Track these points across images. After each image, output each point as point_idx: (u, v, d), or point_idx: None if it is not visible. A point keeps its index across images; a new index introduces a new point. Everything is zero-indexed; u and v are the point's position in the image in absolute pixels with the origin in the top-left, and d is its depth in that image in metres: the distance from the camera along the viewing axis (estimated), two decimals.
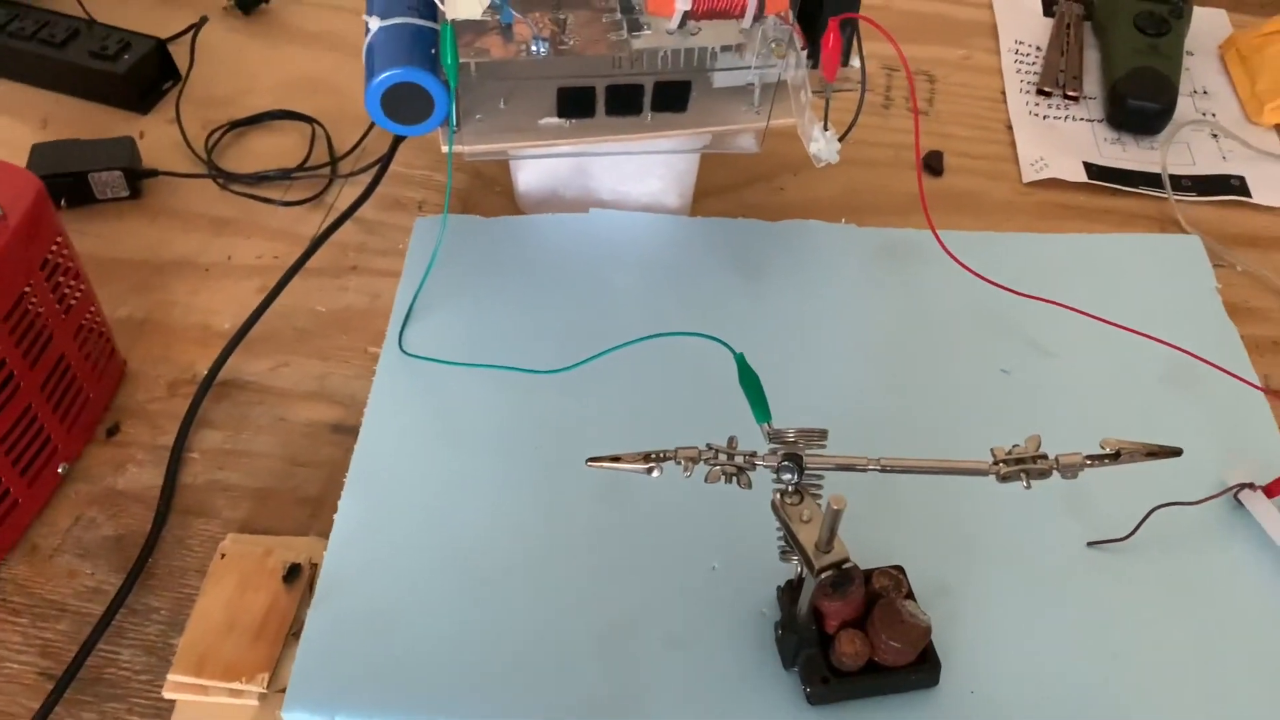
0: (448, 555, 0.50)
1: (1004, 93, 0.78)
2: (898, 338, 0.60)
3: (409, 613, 0.48)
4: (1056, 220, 0.69)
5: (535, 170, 0.65)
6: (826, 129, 0.51)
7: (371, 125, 0.71)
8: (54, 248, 0.51)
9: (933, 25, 0.83)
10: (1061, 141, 0.74)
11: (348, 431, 0.56)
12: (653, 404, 0.56)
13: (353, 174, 0.69)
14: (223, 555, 0.50)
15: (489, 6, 0.52)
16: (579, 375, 0.54)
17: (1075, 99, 0.77)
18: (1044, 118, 0.76)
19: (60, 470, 0.53)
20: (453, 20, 0.51)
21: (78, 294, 0.53)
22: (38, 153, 0.66)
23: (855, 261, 0.64)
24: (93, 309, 0.54)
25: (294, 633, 0.48)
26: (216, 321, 0.61)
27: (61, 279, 0.51)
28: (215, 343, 0.59)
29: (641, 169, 0.65)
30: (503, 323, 0.60)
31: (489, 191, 0.68)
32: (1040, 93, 0.77)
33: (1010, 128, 0.75)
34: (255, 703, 0.46)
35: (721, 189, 0.69)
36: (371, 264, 0.64)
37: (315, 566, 0.50)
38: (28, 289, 0.49)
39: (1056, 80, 0.77)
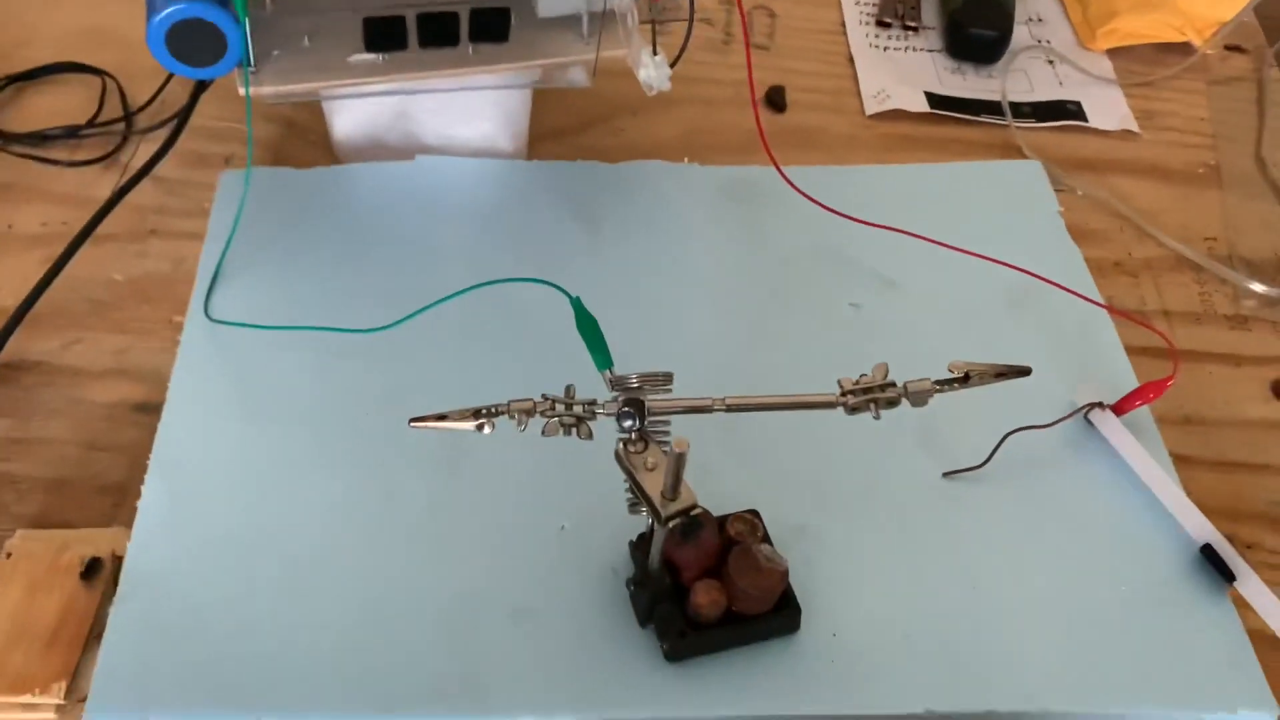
0: (266, 540, 0.46)
1: (844, 25, 0.76)
2: (745, 278, 0.58)
3: (226, 605, 0.44)
4: (901, 152, 0.68)
5: (352, 115, 0.60)
6: (655, 54, 0.48)
7: (169, 77, 0.64)
8: None
9: None
10: (903, 72, 0.72)
11: (153, 410, 0.51)
12: (486, 360, 0.52)
13: (150, 129, 0.63)
14: (8, 555, 0.45)
15: None
16: (405, 335, 0.50)
17: (915, 29, 0.76)
18: (884, 49, 0.74)
19: None
20: None
21: None
22: None
23: (698, 202, 0.61)
24: None
25: (95, 635, 0.43)
26: None
27: None
28: None
29: (470, 110, 0.60)
30: (321, 283, 0.55)
31: (303, 141, 0.63)
32: (880, 24, 0.76)
33: (851, 60, 0.74)
34: (52, 715, 0.41)
35: (558, 132, 0.66)
36: (173, 226, 0.59)
37: (119, 560, 0.45)
38: None
39: (895, 11, 0.76)
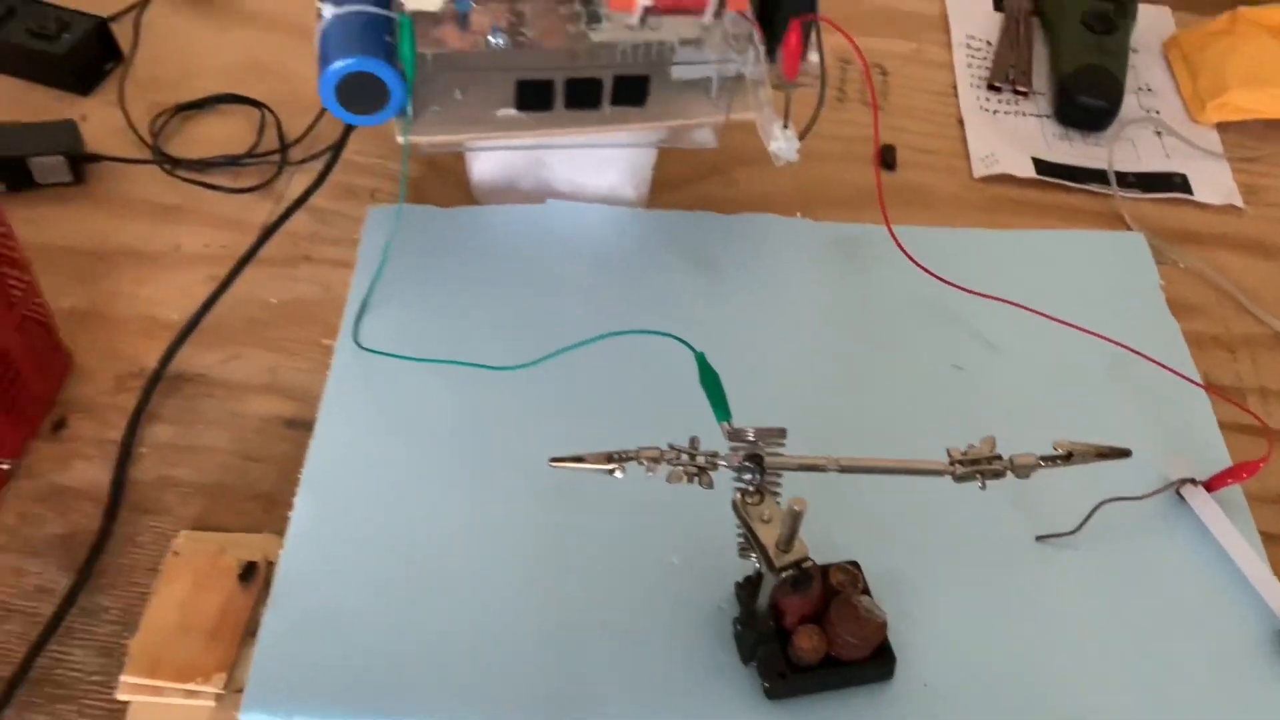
0: (404, 553, 0.50)
1: (955, 87, 0.79)
2: (852, 332, 0.61)
3: (365, 612, 0.48)
4: (1006, 215, 0.70)
5: (491, 161, 0.65)
6: (786, 127, 0.51)
7: (322, 111, 0.70)
8: (2, 241, 0.49)
9: (883, 18, 0.84)
10: (1011, 137, 0.75)
11: (301, 426, 0.55)
12: (609, 400, 0.56)
13: (303, 161, 0.68)
14: (176, 553, 0.49)
15: None
16: (535, 370, 0.54)
17: (1025, 94, 0.78)
18: (994, 113, 0.77)
19: (4, 467, 0.52)
20: (411, 11, 0.50)
21: (22, 285, 0.51)
22: None
23: (809, 256, 0.64)
24: (37, 301, 0.53)
25: (250, 632, 0.48)
26: (164, 313, 0.60)
27: (6, 270, 0.50)
28: (163, 335, 0.58)
29: (599, 161, 0.64)
30: (457, 316, 0.59)
31: (443, 181, 0.68)
32: (990, 88, 0.78)
33: (961, 122, 0.76)
34: (211, 703, 0.46)
35: (677, 182, 0.69)
36: (323, 253, 0.64)
37: (271, 565, 0.49)
38: None
39: (1006, 75, 0.78)
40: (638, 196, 0.66)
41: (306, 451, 0.53)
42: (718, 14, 0.52)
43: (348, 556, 0.50)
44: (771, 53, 0.56)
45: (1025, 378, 0.59)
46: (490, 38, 0.54)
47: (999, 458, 0.43)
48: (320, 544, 0.50)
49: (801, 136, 0.53)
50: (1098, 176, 0.72)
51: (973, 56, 0.81)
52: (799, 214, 0.67)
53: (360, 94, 0.54)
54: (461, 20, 0.55)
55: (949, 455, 0.43)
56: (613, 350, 0.54)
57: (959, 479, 0.43)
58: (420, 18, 0.53)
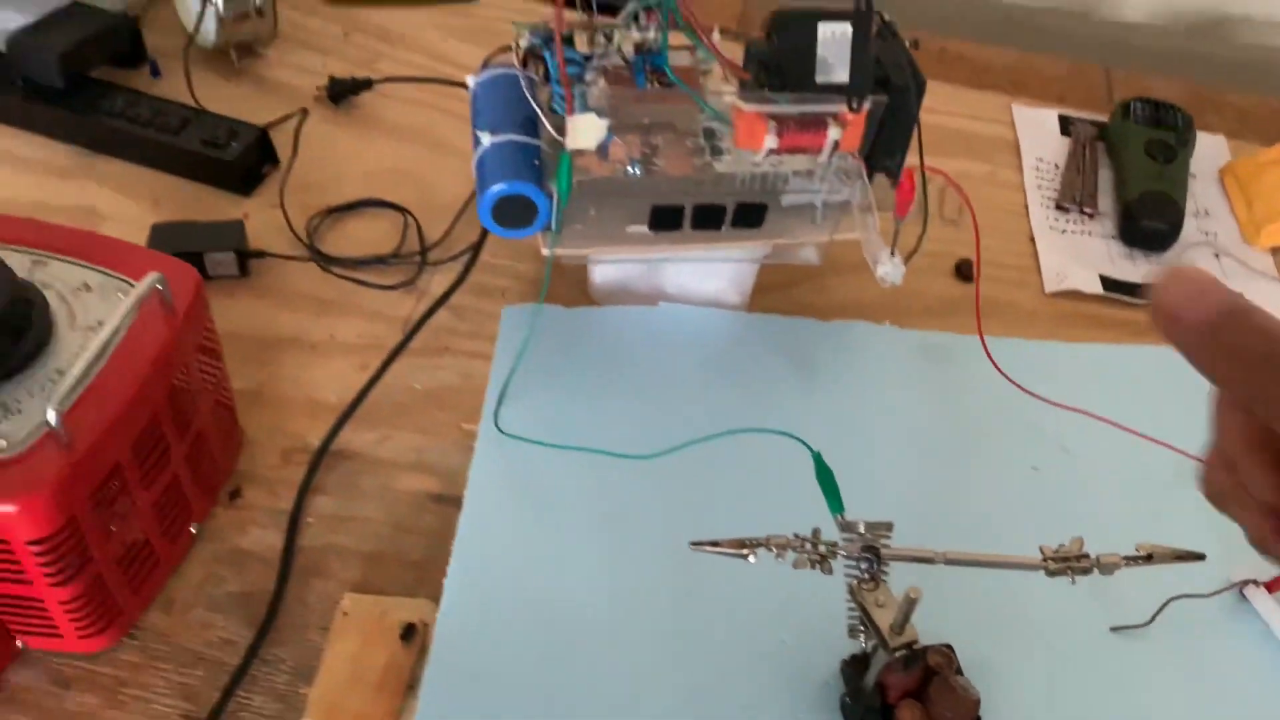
0: (546, 622, 0.56)
1: (1026, 206, 0.86)
2: (938, 433, 0.67)
3: (512, 673, 0.54)
4: (1076, 328, 0.77)
5: (611, 267, 0.72)
6: (893, 254, 0.58)
7: (458, 217, 0.78)
8: (206, 333, 0.57)
9: (960, 141, 0.91)
10: (1079, 254, 0.81)
11: (447, 501, 0.62)
12: (728, 488, 0.62)
13: (441, 262, 0.76)
14: (345, 613, 0.56)
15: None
16: (662, 458, 0.61)
17: (1091, 215, 0.85)
18: (1063, 231, 0.83)
19: (192, 530, 0.59)
20: (571, 149, 0.58)
21: (216, 373, 0.59)
22: (157, 232, 0.72)
23: (898, 361, 0.71)
24: (225, 386, 0.61)
25: (411, 686, 0.54)
26: (323, 395, 0.67)
27: (205, 359, 0.57)
28: (323, 415, 0.66)
29: (707, 269, 0.72)
30: (585, 406, 0.66)
31: (562, 280, 0.75)
32: (1059, 208, 0.85)
33: (1033, 239, 0.83)
34: None
35: (774, 286, 0.76)
36: (462, 345, 0.71)
37: (427, 627, 0.56)
38: (184, 372, 0.55)
39: (1074, 197, 0.85)
40: (741, 301, 0.73)
41: (455, 525, 0.60)
42: (831, 154, 0.59)
43: (496, 622, 0.56)
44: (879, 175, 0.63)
45: (1097, 481, 0.65)
46: (629, 168, 0.62)
47: (1087, 556, 0.49)
48: (471, 610, 0.56)
49: (906, 261, 0.60)
50: None
51: (1042, 179, 0.88)
52: (887, 322, 0.74)
53: (512, 212, 0.62)
54: (601, 151, 0.62)
55: (1042, 552, 0.49)
56: (732, 442, 0.60)
57: (1051, 574, 0.49)
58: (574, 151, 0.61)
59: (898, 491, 0.63)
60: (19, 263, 0.54)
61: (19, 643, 0.53)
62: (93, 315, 0.52)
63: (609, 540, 0.60)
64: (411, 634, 0.55)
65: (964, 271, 0.80)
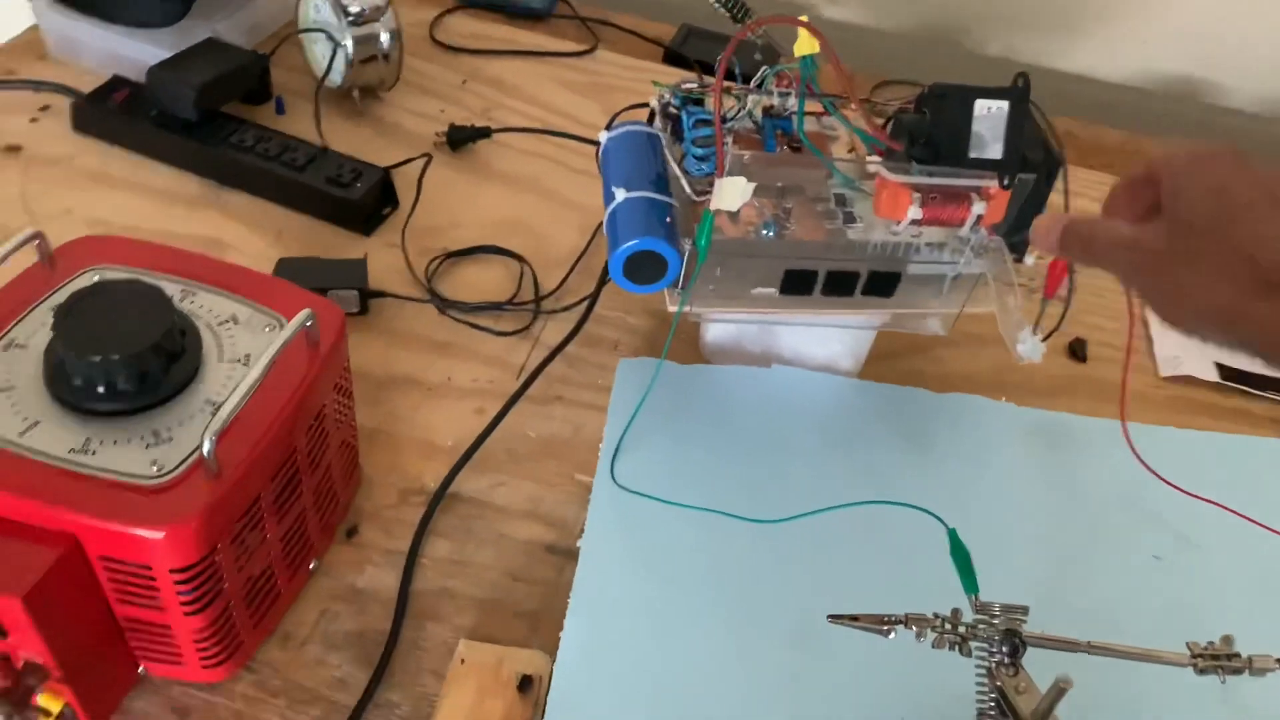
0: (660, 679, 0.56)
1: None
2: (1056, 516, 0.66)
3: None
4: (1190, 415, 0.75)
5: (725, 326, 0.72)
6: (1035, 332, 0.58)
7: (572, 268, 0.78)
8: (343, 373, 0.57)
9: None
10: (1195, 341, 0.80)
11: (560, 552, 0.62)
12: (847, 558, 0.61)
13: (554, 311, 0.76)
14: (462, 660, 0.56)
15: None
16: (778, 524, 0.60)
17: None
18: None
19: (312, 566, 0.59)
20: (714, 209, 0.58)
21: (347, 411, 0.59)
22: (283, 266, 0.73)
23: (1014, 439, 0.70)
24: (353, 425, 0.61)
25: None
26: (439, 438, 0.67)
27: (341, 398, 0.58)
28: (438, 457, 0.66)
29: (824, 334, 0.71)
30: (698, 463, 0.66)
31: (674, 337, 0.75)
32: None
33: (1146, 322, 0.82)
34: None
35: (884, 355, 0.76)
36: (574, 396, 0.71)
37: (542, 680, 0.55)
38: (321, 408, 0.55)
39: None
40: (854, 367, 0.73)
41: (568, 577, 0.60)
42: (973, 228, 0.59)
43: (611, 678, 0.55)
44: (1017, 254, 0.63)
45: (1221, 572, 0.64)
46: (763, 230, 0.62)
47: (1238, 655, 0.47)
48: (587, 666, 0.56)
49: (1045, 338, 0.59)
50: (1276, 384, 0.77)
51: None
52: (1003, 398, 0.73)
53: (643, 267, 0.62)
54: (734, 214, 0.63)
55: (1189, 649, 0.48)
56: (853, 511, 0.60)
57: (1200, 672, 0.47)
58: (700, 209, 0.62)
59: (1014, 572, 0.62)
60: (171, 290, 0.55)
61: (141, 668, 0.53)
62: (240, 348, 0.53)
63: (728, 603, 0.59)
64: (528, 686, 0.55)
65: (1077, 351, 0.79)
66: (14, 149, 0.82)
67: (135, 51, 0.85)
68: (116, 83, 0.84)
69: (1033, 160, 0.62)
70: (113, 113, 0.82)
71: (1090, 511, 0.66)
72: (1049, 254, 0.55)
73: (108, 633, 0.50)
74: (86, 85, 0.86)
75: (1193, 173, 0.45)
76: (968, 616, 0.49)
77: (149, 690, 0.54)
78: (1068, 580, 0.63)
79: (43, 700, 0.48)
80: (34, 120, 0.85)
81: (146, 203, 0.80)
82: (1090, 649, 0.48)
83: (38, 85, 0.86)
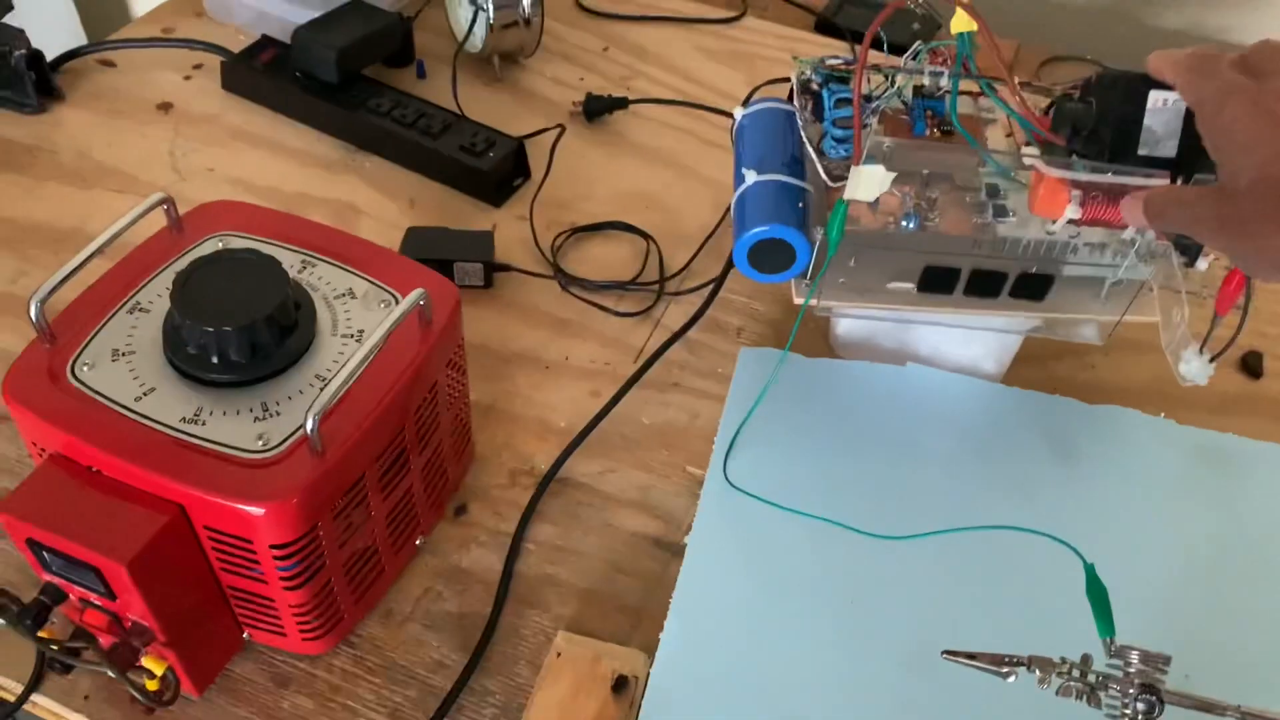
0: (760, 692, 0.53)
1: None
2: (1212, 550, 0.60)
3: None
4: None
5: (858, 319, 0.68)
6: (1202, 352, 0.52)
7: (701, 248, 0.75)
8: (456, 350, 0.56)
9: None
10: None
11: (666, 548, 0.60)
12: (972, 584, 0.57)
13: (679, 293, 0.73)
14: (559, 654, 0.54)
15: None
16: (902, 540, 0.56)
17: None
18: None
19: (418, 543, 0.59)
20: (849, 199, 0.55)
21: (460, 389, 0.58)
22: (412, 235, 0.73)
23: (1173, 460, 0.64)
24: (466, 401, 0.60)
25: None
26: (554, 418, 0.66)
27: (454, 374, 0.57)
28: (551, 438, 0.65)
29: (967, 334, 0.67)
30: (819, 466, 0.62)
31: (802, 326, 0.71)
32: None
33: None
34: None
35: (1031, 358, 0.70)
36: (692, 383, 0.69)
37: (638, 681, 0.53)
38: (432, 386, 0.54)
39: None
40: (997, 371, 0.68)
41: (673, 573, 0.57)
42: (1139, 231, 0.54)
43: (709, 685, 0.53)
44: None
45: None
46: (904, 221, 0.58)
47: None
48: (685, 671, 0.53)
49: (1213, 359, 0.53)
50: None
51: None
52: (1162, 414, 0.67)
53: (769, 255, 0.59)
54: (874, 203, 0.59)
55: None
56: (982, 535, 0.55)
57: None
58: (835, 195, 0.58)
59: (1162, 612, 0.57)
60: (290, 261, 0.55)
61: (245, 635, 0.54)
62: (355, 323, 0.53)
63: (839, 619, 0.56)
64: (624, 686, 0.53)
65: (1251, 365, 0.72)
66: (166, 106, 0.84)
67: (284, 11, 0.86)
68: (264, 43, 0.86)
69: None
70: (258, 73, 0.83)
71: (1253, 548, 0.60)
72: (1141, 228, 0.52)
73: (212, 600, 0.51)
74: (238, 45, 0.87)
75: (1222, 128, 0.45)
76: (1100, 663, 0.45)
77: (252, 656, 0.55)
78: (1221, 627, 0.57)
79: (147, 662, 0.49)
80: (187, 78, 0.87)
81: (285, 164, 0.80)
82: (1240, 714, 0.43)
83: (192, 44, 0.88)
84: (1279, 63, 0.46)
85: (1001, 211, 0.58)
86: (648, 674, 0.54)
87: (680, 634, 0.55)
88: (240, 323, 0.48)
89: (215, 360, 0.49)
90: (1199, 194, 0.47)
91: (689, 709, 0.52)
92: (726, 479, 0.61)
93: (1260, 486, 0.62)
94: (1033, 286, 0.58)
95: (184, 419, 0.48)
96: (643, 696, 0.53)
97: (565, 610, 0.58)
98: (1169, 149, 0.50)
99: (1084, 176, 0.52)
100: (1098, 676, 0.44)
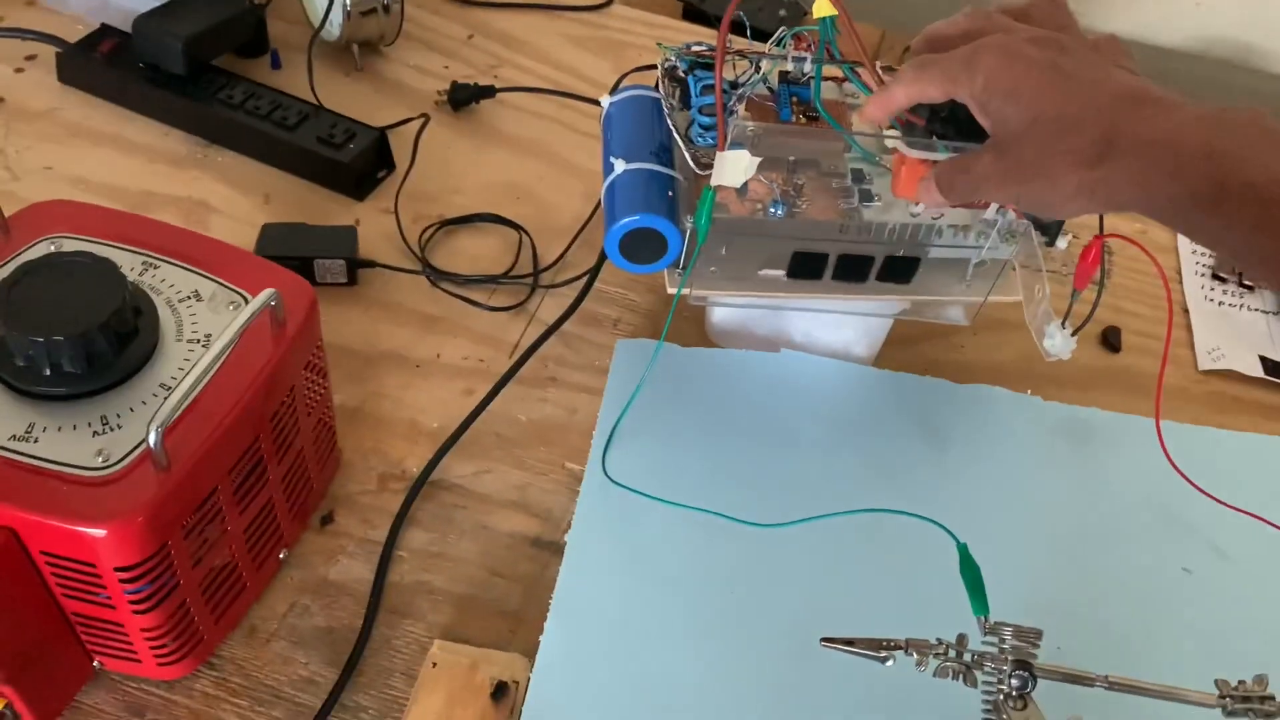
0: (644, 692, 0.52)
1: (1180, 272, 0.80)
2: (1079, 522, 0.62)
3: None
4: (1231, 414, 0.70)
5: (732, 308, 0.68)
6: (1064, 326, 0.53)
7: (574, 240, 0.74)
8: (315, 352, 0.54)
9: None
10: (1237, 331, 0.75)
11: (545, 546, 0.59)
12: (850, 569, 0.57)
13: (553, 286, 0.72)
14: (434, 664, 0.52)
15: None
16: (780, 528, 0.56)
17: (1250, 288, 0.78)
18: (1219, 304, 0.77)
19: (281, 556, 0.56)
20: (715, 186, 0.54)
21: (321, 392, 0.56)
22: (267, 232, 0.70)
23: (1038, 436, 0.66)
24: (329, 406, 0.57)
25: None
26: (424, 419, 0.64)
27: (312, 377, 0.54)
28: (422, 440, 0.62)
29: (837, 319, 0.67)
30: (697, 456, 0.62)
31: (677, 316, 0.70)
32: (1216, 277, 0.79)
33: (1186, 310, 0.77)
34: None
35: (902, 340, 0.71)
36: (569, 378, 0.67)
37: (519, 686, 0.52)
38: (289, 391, 0.52)
39: (1232, 267, 0.79)
40: (868, 354, 0.69)
41: (552, 574, 0.56)
42: (1000, 210, 0.54)
43: (592, 689, 0.52)
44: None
45: (1257, 590, 0.59)
46: (771, 208, 0.57)
47: (1272, 698, 0.43)
48: (567, 674, 0.52)
49: (1075, 332, 0.54)
50: None
51: None
52: (1029, 390, 0.68)
53: (641, 246, 0.58)
54: (742, 189, 0.58)
55: (1219, 688, 0.44)
56: (859, 518, 0.56)
57: (1229, 714, 0.43)
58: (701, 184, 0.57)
59: (1033, 584, 0.58)
60: (130, 263, 0.51)
61: (96, 663, 0.51)
62: (201, 327, 0.50)
63: (721, 611, 0.55)
64: (503, 693, 0.52)
65: (1111, 340, 0.74)
66: None
67: None
68: (104, 32, 0.80)
69: None
70: (98, 64, 0.79)
71: (1117, 517, 0.62)
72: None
73: (55, 629, 0.48)
74: (75, 35, 0.82)
75: (982, 87, 0.47)
76: (976, 641, 0.45)
77: (104, 685, 0.51)
78: (1089, 592, 0.58)
79: None
80: (19, 70, 0.81)
81: (130, 160, 0.76)
82: (1108, 684, 0.44)
83: (24, 34, 0.83)
84: (1040, 13, 0.49)
85: (867, 196, 0.59)
86: (529, 679, 0.52)
87: (560, 635, 0.53)
88: (72, 331, 0.45)
89: (47, 372, 0.46)
90: (975, 157, 0.49)
91: (571, 711, 0.51)
92: (605, 474, 0.60)
93: (1122, 458, 0.64)
94: (899, 270, 0.58)
95: (14, 436, 0.45)
96: (523, 702, 0.51)
97: (440, 618, 0.56)
98: None
99: (944, 157, 0.52)
100: (973, 655, 0.44)
